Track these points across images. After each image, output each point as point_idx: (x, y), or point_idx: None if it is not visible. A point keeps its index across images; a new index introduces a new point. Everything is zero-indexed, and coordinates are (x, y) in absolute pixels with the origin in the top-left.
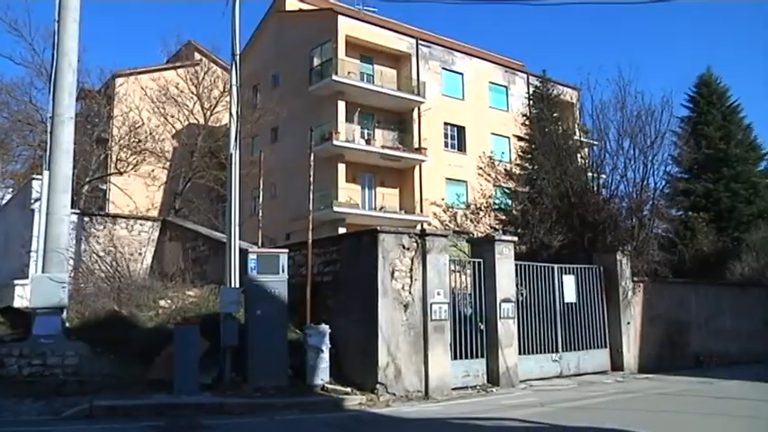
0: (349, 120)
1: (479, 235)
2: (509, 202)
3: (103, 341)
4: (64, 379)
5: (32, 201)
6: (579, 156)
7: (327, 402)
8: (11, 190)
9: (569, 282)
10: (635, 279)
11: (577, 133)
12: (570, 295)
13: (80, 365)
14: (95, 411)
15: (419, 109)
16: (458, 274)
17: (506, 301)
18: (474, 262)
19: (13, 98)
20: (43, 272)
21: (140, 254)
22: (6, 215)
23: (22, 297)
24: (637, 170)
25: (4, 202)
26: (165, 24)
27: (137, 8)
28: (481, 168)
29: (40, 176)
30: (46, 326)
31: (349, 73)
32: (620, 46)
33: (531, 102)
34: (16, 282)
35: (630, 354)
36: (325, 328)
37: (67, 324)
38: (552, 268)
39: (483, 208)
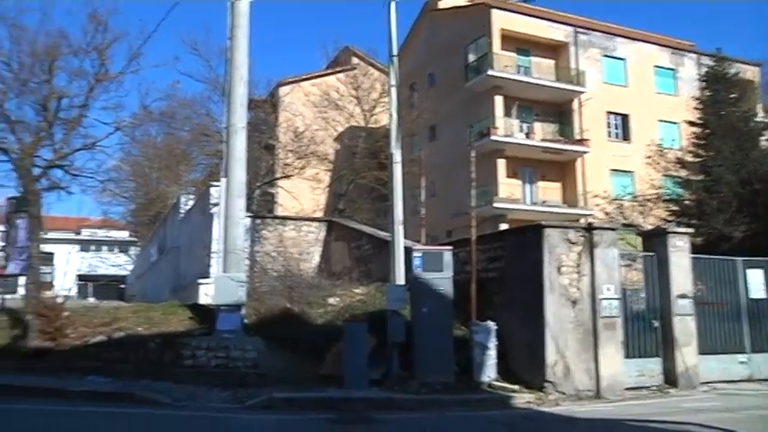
0: (507, 114)
1: (649, 227)
2: (681, 191)
3: (277, 337)
4: (245, 371)
5: (211, 206)
6: (763, 138)
7: (495, 400)
8: (192, 197)
9: (756, 276)
10: None
11: (760, 114)
12: (758, 291)
13: (258, 359)
14: (274, 403)
15: (579, 99)
16: (628, 268)
17: (682, 296)
18: (645, 256)
19: (193, 112)
20: (224, 272)
21: (308, 253)
22: (190, 220)
23: (207, 295)
24: None
25: (188, 208)
26: (324, 32)
27: (297, 19)
28: (649, 157)
29: (217, 183)
30: (228, 322)
31: (505, 66)
32: None
33: (704, 83)
34: (200, 281)
35: None
36: (491, 325)
37: (246, 320)
38: (735, 262)
39: (652, 199)
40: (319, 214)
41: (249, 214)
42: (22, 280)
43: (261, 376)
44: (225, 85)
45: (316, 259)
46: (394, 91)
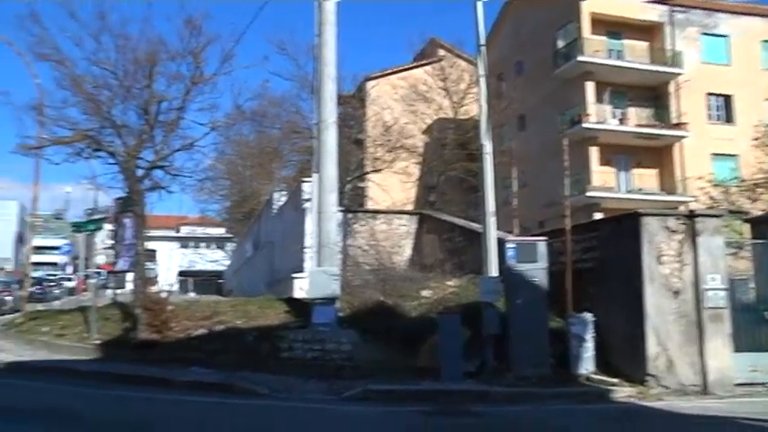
0: (599, 100)
1: (758, 213)
2: None
3: (372, 329)
4: (341, 364)
5: (303, 201)
6: None
7: (593, 393)
8: (285, 193)
9: None
10: None
11: None
12: None
13: (353, 352)
14: (370, 394)
15: (676, 81)
16: (734, 257)
17: None
18: (754, 243)
19: (283, 110)
20: (318, 266)
21: (400, 246)
22: (283, 216)
23: (301, 289)
24: None
25: (280, 204)
26: (410, 25)
27: (382, 13)
28: (756, 139)
29: (309, 179)
30: (323, 315)
31: (596, 51)
32: None
33: None
34: (294, 275)
35: None
36: (589, 316)
37: (340, 313)
38: None
39: (761, 183)
40: (410, 207)
41: (341, 209)
42: (129, 276)
43: (356, 368)
44: (314, 82)
45: (407, 252)
46: (482, 81)
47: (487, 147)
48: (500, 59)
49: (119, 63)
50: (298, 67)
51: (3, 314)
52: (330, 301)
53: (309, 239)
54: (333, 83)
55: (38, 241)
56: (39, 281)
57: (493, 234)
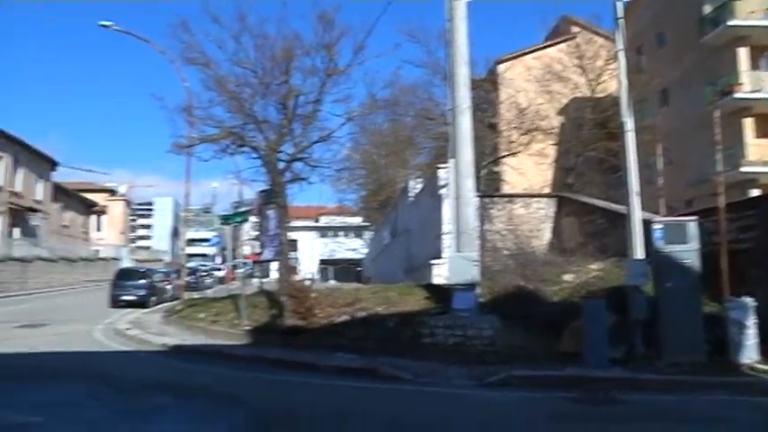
0: (754, 67)
1: None
2: None
3: (511, 315)
4: (482, 349)
5: (440, 188)
6: None
7: (757, 384)
8: (420, 180)
9: None
10: None
11: None
12: None
13: (494, 337)
14: (512, 380)
15: None
16: None
17: None
18: None
19: (416, 97)
20: (457, 252)
21: (539, 230)
22: (419, 203)
23: (440, 275)
24: None
25: (416, 191)
26: (541, 4)
27: None
28: None
29: (445, 165)
30: (463, 300)
31: (750, 13)
32: None
33: None
34: (432, 262)
35: None
36: (749, 300)
37: (480, 299)
38: None
39: None
40: (547, 190)
41: (477, 194)
42: (273, 265)
43: (497, 354)
44: (446, 67)
45: (546, 236)
46: (622, 55)
47: (629, 124)
48: (639, 32)
49: (258, 61)
50: (429, 54)
51: (164, 302)
52: (470, 286)
53: (447, 226)
54: (465, 67)
55: (190, 234)
56: (193, 271)
57: (637, 215)
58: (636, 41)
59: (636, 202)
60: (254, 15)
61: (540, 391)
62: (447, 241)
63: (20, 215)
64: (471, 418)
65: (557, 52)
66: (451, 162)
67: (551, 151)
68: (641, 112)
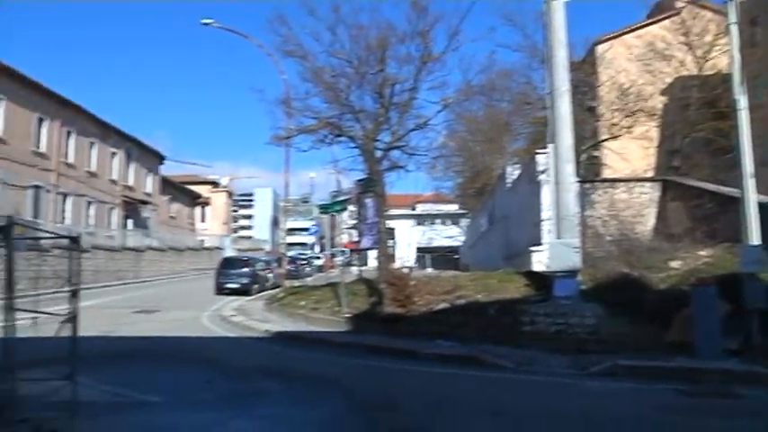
0: None
1: None
2: None
3: (615, 303)
4: (584, 338)
5: (538, 174)
6: None
7: None
8: (518, 166)
9: None
10: None
11: None
12: None
13: (597, 325)
14: (618, 370)
15: None
16: None
17: None
18: None
19: (513, 81)
20: (557, 238)
21: (642, 216)
22: (517, 190)
23: (539, 262)
24: None
25: (514, 177)
26: None
27: None
28: None
29: (543, 150)
30: (564, 288)
31: None
32: None
33: None
34: (532, 248)
35: None
36: None
37: (582, 286)
38: None
39: None
40: (651, 174)
41: (578, 179)
42: (371, 253)
43: (601, 343)
44: (544, 50)
45: (651, 221)
46: (734, 29)
47: (742, 102)
48: (753, 2)
49: (353, 52)
50: (526, 37)
51: (265, 289)
52: (571, 273)
53: (546, 212)
54: (563, 49)
55: (289, 223)
56: (292, 259)
57: (752, 198)
58: (750, 12)
59: (750, 184)
60: (348, 6)
61: (646, 382)
62: (546, 228)
63: (132, 207)
64: (575, 408)
65: (660, 29)
66: (551, 147)
67: (655, 133)
68: (755, 89)
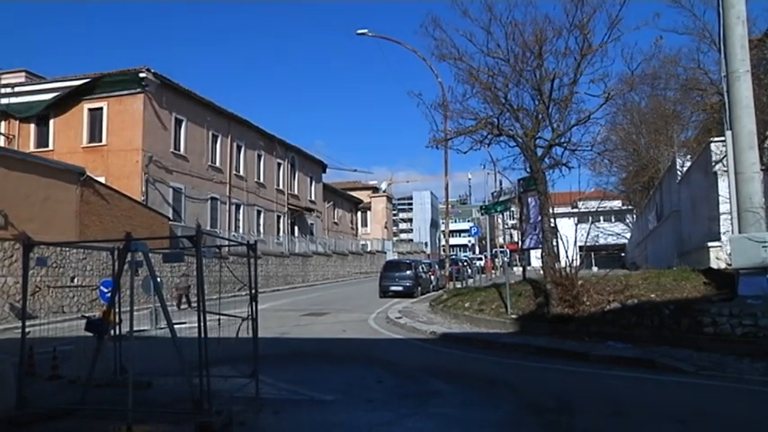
0: None
1: None
2: None
3: None
4: None
5: (714, 164)
6: None
7: None
8: (689, 157)
9: None
10: None
11: None
12: None
13: None
14: None
15: None
16: None
17: None
18: None
19: (680, 68)
20: (739, 232)
21: None
22: (689, 181)
23: (718, 258)
24: None
25: (684, 169)
26: None
27: None
28: None
29: (719, 138)
30: (751, 286)
31: None
32: None
33: None
34: (709, 244)
35: None
36: None
37: None
38: None
39: None
40: None
41: (762, 167)
42: (533, 253)
43: None
44: (718, 29)
45: None
46: None
47: None
48: None
49: (509, 49)
50: (694, 18)
51: (428, 292)
52: (760, 270)
53: (724, 205)
54: (742, 26)
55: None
56: (454, 261)
57: None
58: None
59: None
60: (501, 4)
61: None
62: (725, 222)
63: (298, 214)
64: None
65: None
66: (728, 134)
67: None
68: None
